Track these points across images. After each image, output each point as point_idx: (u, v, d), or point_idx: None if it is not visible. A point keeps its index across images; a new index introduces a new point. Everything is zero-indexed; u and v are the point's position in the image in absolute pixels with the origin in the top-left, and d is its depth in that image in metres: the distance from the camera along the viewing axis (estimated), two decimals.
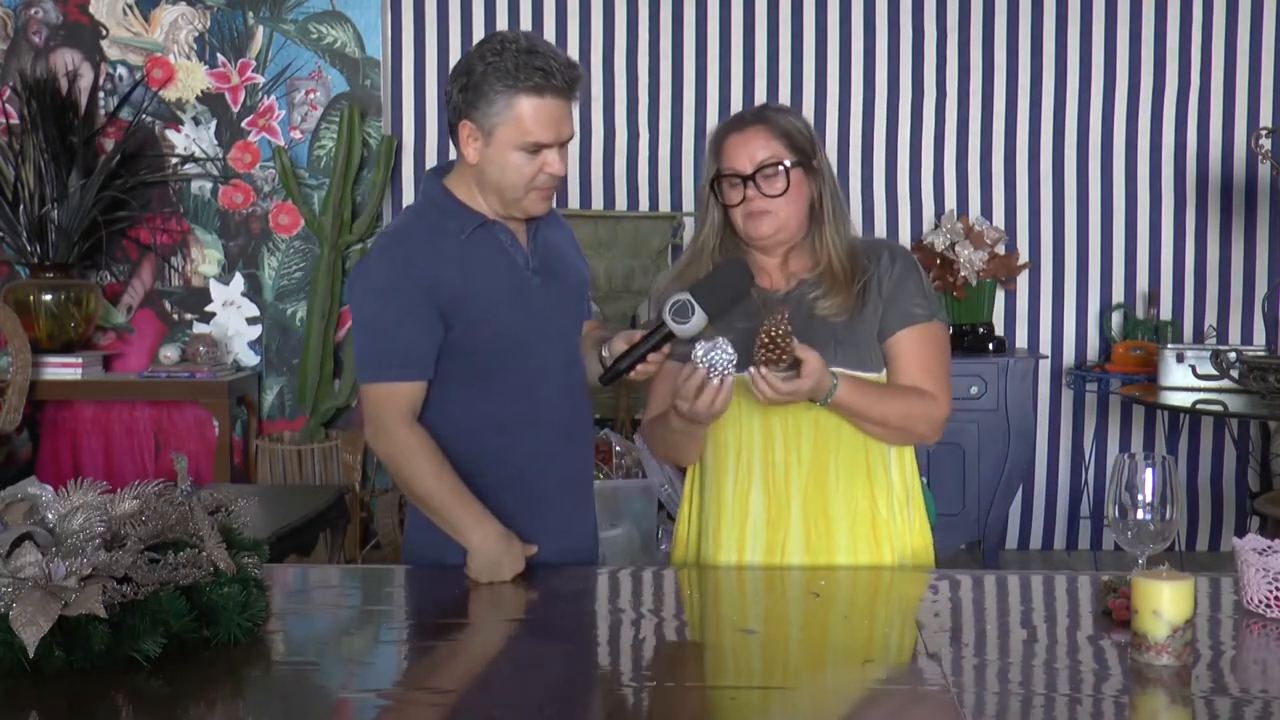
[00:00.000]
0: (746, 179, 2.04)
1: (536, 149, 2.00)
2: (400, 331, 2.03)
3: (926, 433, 2.06)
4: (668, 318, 1.93)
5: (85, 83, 4.98)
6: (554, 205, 2.22)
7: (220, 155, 5.02)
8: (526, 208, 2.07)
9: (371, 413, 2.06)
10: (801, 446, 2.05)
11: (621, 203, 5.09)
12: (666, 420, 2.05)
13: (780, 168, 2.03)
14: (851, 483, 2.06)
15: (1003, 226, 5.06)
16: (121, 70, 5.01)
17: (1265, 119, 4.99)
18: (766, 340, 1.85)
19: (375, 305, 2.05)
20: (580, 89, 2.03)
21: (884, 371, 2.08)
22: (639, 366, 1.95)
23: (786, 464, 2.05)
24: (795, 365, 1.88)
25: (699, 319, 1.92)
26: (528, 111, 1.98)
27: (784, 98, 5.05)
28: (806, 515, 2.06)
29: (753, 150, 2.04)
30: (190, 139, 5.01)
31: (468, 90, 2.00)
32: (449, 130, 2.07)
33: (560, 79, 1.98)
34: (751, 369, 1.88)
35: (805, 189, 2.08)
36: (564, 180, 2.13)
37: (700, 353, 1.85)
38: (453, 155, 2.14)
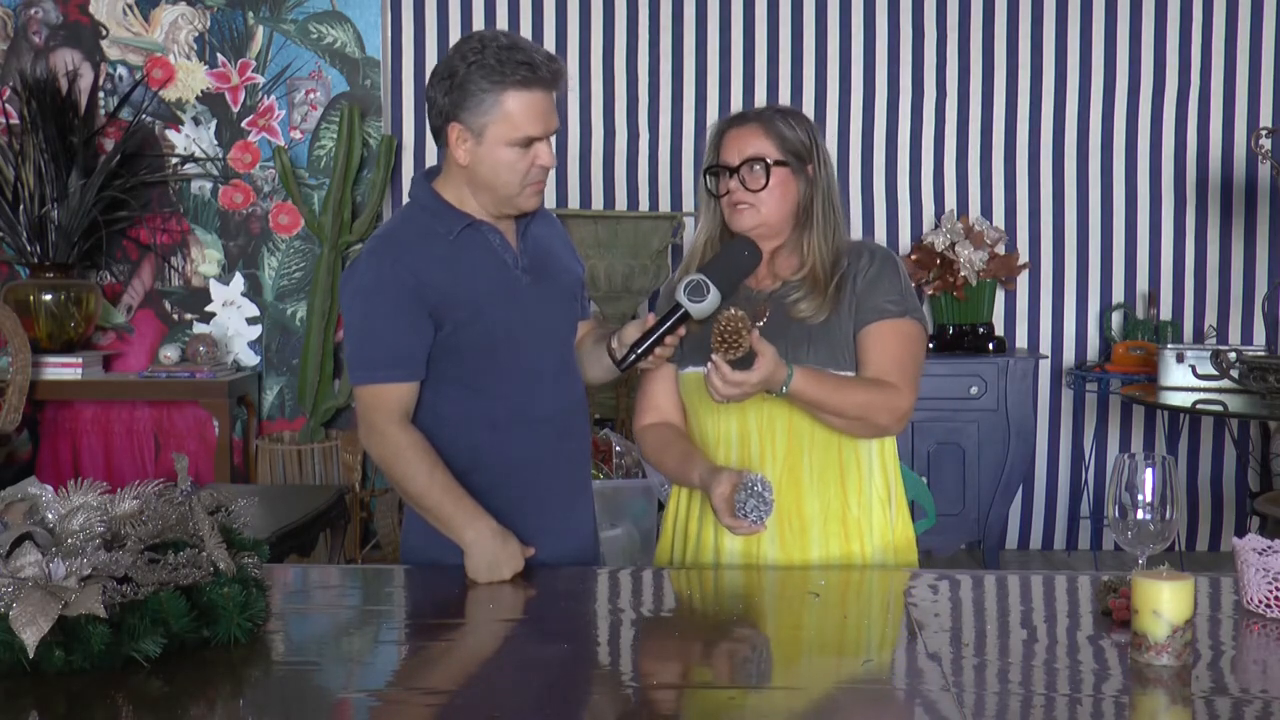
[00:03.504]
0: (732, 171, 2.09)
1: (528, 143, 2.02)
2: (389, 333, 2.04)
3: (888, 423, 2.04)
4: (683, 298, 1.96)
5: (85, 83, 4.98)
6: (547, 205, 2.24)
7: (220, 155, 5.02)
8: (520, 204, 2.08)
9: (363, 414, 2.07)
10: (776, 444, 2.08)
11: (621, 203, 5.09)
12: (665, 448, 2.14)
13: (762, 164, 2.08)
14: (824, 482, 2.10)
15: (1003, 226, 5.06)
16: (121, 70, 5.01)
17: (1265, 119, 4.99)
18: (718, 332, 1.87)
19: (364, 307, 2.06)
20: (564, 81, 2.06)
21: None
22: (656, 350, 1.98)
23: (761, 461, 2.09)
24: (750, 358, 1.90)
25: (714, 297, 1.97)
26: (517, 107, 1.99)
27: (784, 98, 5.05)
28: (781, 513, 2.08)
29: (743, 145, 2.10)
30: (190, 139, 5.01)
31: (453, 92, 2.00)
32: (434, 134, 2.07)
33: (545, 71, 2.00)
34: (710, 361, 1.90)
35: (792, 190, 2.11)
36: (565, 179, 2.15)
37: (742, 503, 1.92)
38: None
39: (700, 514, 2.17)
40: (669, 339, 1.99)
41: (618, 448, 4.01)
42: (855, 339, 2.08)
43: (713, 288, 1.97)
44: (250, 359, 5.08)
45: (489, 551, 1.99)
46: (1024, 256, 5.10)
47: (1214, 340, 5.02)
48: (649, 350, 1.98)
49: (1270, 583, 1.73)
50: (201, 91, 5.01)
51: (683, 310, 1.97)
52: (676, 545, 2.23)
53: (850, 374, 2.07)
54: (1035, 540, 5.19)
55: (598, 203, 5.08)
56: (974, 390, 4.72)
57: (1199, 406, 3.99)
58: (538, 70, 1.99)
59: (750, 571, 2.08)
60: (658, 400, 2.19)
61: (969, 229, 4.91)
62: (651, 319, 2.01)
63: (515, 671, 1.63)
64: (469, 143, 2.03)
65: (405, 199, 2.20)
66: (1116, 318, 5.10)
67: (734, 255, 2.05)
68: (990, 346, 4.81)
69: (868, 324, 2.08)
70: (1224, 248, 5.10)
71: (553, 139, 2.07)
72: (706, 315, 1.98)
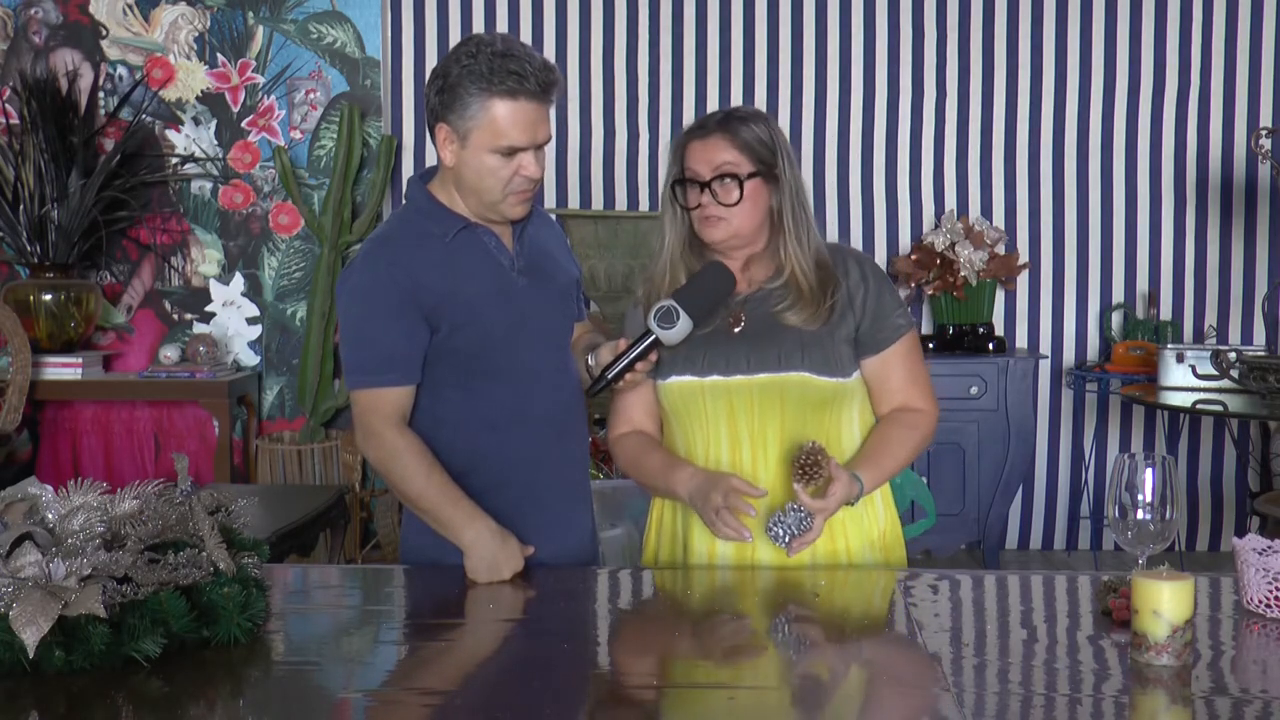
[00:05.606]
0: (704, 185, 2.06)
1: (511, 152, 2.01)
2: (385, 336, 2.04)
3: (928, 447, 2.20)
4: (653, 324, 1.97)
5: (85, 83, 4.98)
6: (545, 206, 2.23)
7: (220, 155, 5.03)
8: (504, 211, 2.07)
9: (360, 418, 2.07)
10: (768, 449, 2.08)
11: (621, 203, 5.09)
12: (643, 456, 2.14)
13: (736, 179, 2.05)
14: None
15: (1003, 226, 5.06)
16: (121, 70, 5.01)
17: (1265, 119, 4.99)
18: (799, 465, 1.94)
19: (360, 310, 2.06)
20: (557, 92, 2.03)
21: (854, 375, 2.11)
22: (627, 376, 1.98)
23: (754, 466, 2.08)
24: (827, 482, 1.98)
25: (684, 324, 1.98)
26: (502, 115, 1.98)
27: (784, 98, 5.06)
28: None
29: (712, 156, 2.06)
30: (190, 139, 5.02)
31: (444, 93, 2.00)
32: (428, 133, 2.08)
33: (534, 82, 1.98)
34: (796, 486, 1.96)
35: (763, 198, 2.09)
36: (565, 179, 2.15)
37: (779, 529, 1.95)
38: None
39: (689, 521, 2.14)
40: (640, 365, 2.00)
41: None
42: (871, 357, 2.11)
43: (683, 314, 1.97)
44: (250, 359, 5.08)
45: (488, 552, 1.99)
46: (1024, 256, 5.10)
47: (1214, 340, 5.02)
48: (619, 376, 1.99)
49: (1270, 583, 1.73)
50: (201, 91, 5.01)
51: (653, 337, 1.97)
52: (664, 551, 2.21)
53: (844, 380, 2.08)
54: (1035, 540, 5.19)
55: (598, 203, 5.08)
56: (974, 390, 4.72)
57: (1199, 406, 3.99)
58: (526, 81, 1.97)
59: (749, 572, 2.08)
60: (631, 412, 2.19)
61: (969, 229, 4.91)
62: (624, 344, 2.01)
63: (515, 671, 1.63)
64: (454, 145, 2.03)
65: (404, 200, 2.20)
66: (1116, 318, 5.10)
67: (706, 281, 2.03)
68: (990, 346, 4.81)
69: (886, 347, 2.11)
70: (1224, 248, 5.10)
71: (543, 150, 2.05)
72: (676, 342, 1.99)
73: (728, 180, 2.05)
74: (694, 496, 2.02)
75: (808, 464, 1.94)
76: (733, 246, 2.11)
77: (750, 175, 2.06)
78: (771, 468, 2.07)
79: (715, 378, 2.06)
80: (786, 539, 1.94)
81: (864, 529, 2.13)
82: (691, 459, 2.11)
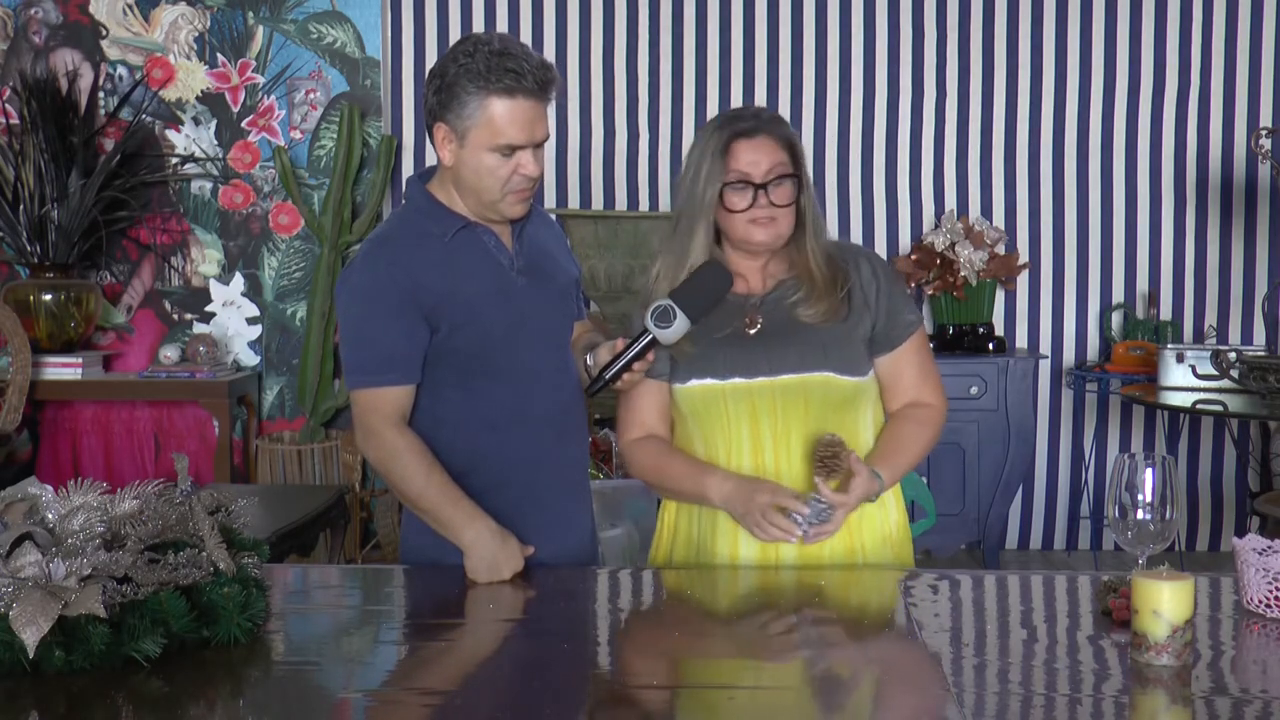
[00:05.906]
0: (758, 187, 2.04)
1: (510, 150, 2.01)
2: (385, 336, 2.04)
3: (936, 442, 2.18)
4: (650, 324, 1.96)
5: (85, 83, 4.98)
6: (545, 206, 2.23)
7: (220, 155, 5.03)
8: (503, 210, 2.07)
9: (360, 418, 2.07)
10: (791, 452, 2.07)
11: (621, 203, 5.09)
12: (664, 462, 2.12)
13: (794, 179, 2.06)
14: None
15: (1003, 226, 5.06)
16: (121, 70, 5.01)
17: (1265, 119, 4.99)
18: (819, 457, 1.97)
19: (360, 310, 2.06)
20: (554, 90, 2.03)
21: (869, 374, 2.12)
22: (625, 376, 1.98)
23: (777, 467, 2.07)
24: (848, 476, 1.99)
25: (681, 323, 1.97)
26: (499, 113, 1.98)
27: (784, 97, 5.06)
28: None
29: (760, 158, 2.04)
30: (190, 139, 5.02)
31: (441, 92, 2.00)
32: (426, 132, 2.07)
33: (532, 80, 1.98)
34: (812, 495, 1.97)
35: (797, 198, 2.10)
36: (565, 179, 2.14)
37: (796, 518, 1.95)
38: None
39: (711, 524, 2.12)
40: (637, 365, 2.00)
41: (617, 448, 4.00)
42: (885, 355, 2.12)
43: (680, 314, 1.96)
44: (250, 359, 5.08)
45: (489, 552, 1.99)
46: (1024, 256, 5.10)
47: (1214, 340, 5.02)
48: (617, 376, 1.99)
49: (1270, 583, 1.73)
50: (201, 91, 5.01)
51: (650, 336, 1.97)
52: (678, 554, 2.19)
53: (862, 379, 2.09)
54: (1035, 540, 5.19)
55: (598, 203, 5.08)
56: (974, 390, 4.72)
57: (1199, 406, 3.99)
58: (523, 79, 1.97)
59: (749, 572, 2.08)
60: (643, 415, 2.16)
61: (969, 229, 4.91)
62: (621, 344, 2.00)
63: (515, 671, 1.63)
64: (453, 144, 2.03)
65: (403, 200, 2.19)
66: (1116, 318, 5.10)
67: (704, 281, 2.03)
68: (990, 346, 4.81)
69: (900, 342, 2.12)
70: (1224, 248, 5.10)
71: (541, 149, 2.05)
72: (674, 341, 1.99)
73: (784, 182, 2.04)
74: (730, 500, 2.01)
75: (827, 456, 1.95)
76: (771, 249, 2.11)
77: (798, 175, 2.07)
78: (795, 469, 2.06)
79: (736, 380, 2.06)
80: (805, 527, 1.95)
81: (878, 526, 2.13)
82: (714, 456, 2.10)
